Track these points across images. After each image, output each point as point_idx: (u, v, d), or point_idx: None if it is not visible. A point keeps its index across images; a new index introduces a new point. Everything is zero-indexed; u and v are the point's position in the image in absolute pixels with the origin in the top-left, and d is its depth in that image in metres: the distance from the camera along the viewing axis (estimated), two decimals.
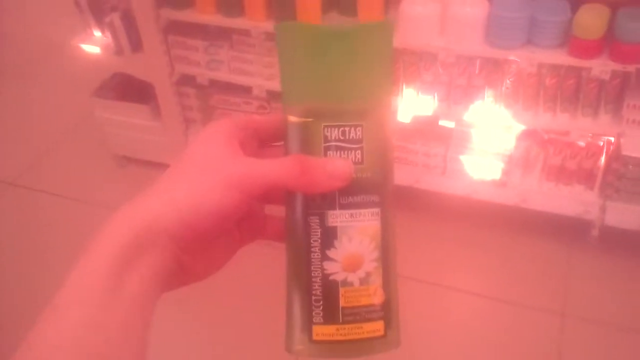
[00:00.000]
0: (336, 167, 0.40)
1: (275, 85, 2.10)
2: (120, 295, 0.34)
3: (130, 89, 2.37)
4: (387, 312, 0.41)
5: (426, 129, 2.08)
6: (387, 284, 0.41)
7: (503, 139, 2.01)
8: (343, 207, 0.41)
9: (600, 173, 1.92)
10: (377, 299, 0.41)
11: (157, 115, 2.34)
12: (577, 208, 2.00)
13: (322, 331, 0.40)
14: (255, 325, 1.90)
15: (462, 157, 2.06)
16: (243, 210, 0.39)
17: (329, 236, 0.40)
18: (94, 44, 2.30)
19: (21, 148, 2.71)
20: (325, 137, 0.41)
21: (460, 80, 1.91)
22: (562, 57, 1.75)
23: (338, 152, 0.41)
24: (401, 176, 2.09)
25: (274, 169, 0.39)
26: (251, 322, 1.93)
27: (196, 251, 0.39)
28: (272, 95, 2.15)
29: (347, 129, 0.41)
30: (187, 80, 2.24)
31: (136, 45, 2.18)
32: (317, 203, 0.41)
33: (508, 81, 1.87)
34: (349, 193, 0.41)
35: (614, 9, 1.68)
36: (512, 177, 2.03)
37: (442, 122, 2.07)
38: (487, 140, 2.03)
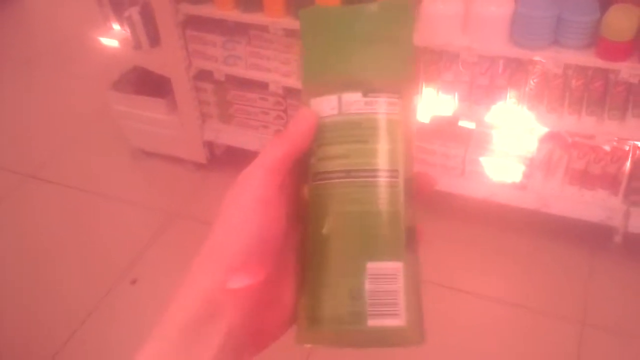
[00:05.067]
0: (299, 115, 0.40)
1: (292, 82, 2.07)
2: None
3: (148, 83, 2.36)
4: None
5: (445, 130, 2.04)
6: None
7: (525, 141, 1.96)
8: None
9: (625, 178, 1.86)
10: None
11: (174, 109, 2.33)
12: (600, 214, 1.94)
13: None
14: None
15: (482, 159, 2.01)
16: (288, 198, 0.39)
17: None
18: (113, 38, 2.29)
19: (40, 141, 2.72)
20: None
21: (482, 80, 1.86)
22: (589, 59, 1.69)
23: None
24: None
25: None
26: None
27: (267, 291, 0.37)
28: (289, 92, 2.12)
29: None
30: (204, 75, 2.22)
31: (154, 39, 2.17)
32: None
33: (532, 82, 1.81)
34: None
35: None
36: (534, 180, 1.98)
37: (462, 123, 2.03)
38: (509, 142, 1.98)
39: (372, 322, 0.36)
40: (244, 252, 0.35)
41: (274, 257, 0.36)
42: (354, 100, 0.39)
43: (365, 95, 0.39)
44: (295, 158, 0.40)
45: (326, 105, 0.39)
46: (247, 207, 0.36)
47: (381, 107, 0.39)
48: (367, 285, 0.37)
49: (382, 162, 0.38)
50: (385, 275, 0.37)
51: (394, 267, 0.37)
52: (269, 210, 0.36)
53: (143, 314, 2.01)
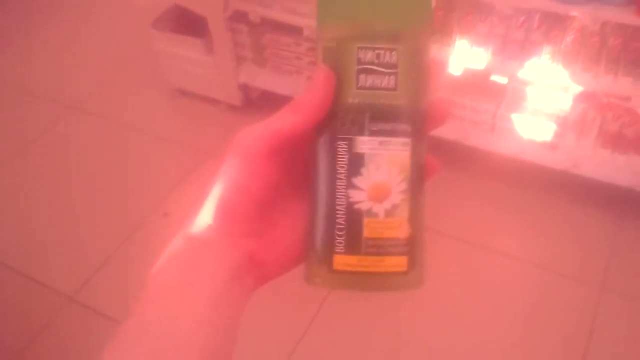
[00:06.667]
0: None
1: None
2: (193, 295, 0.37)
3: (188, 22, 2.39)
4: (411, 248, 0.40)
5: (477, 84, 1.99)
6: (414, 219, 0.40)
7: (558, 100, 1.90)
8: (373, 133, 0.39)
9: None
10: (402, 233, 0.40)
11: (210, 50, 2.35)
12: (632, 179, 1.88)
13: (343, 261, 0.39)
14: None
15: (513, 115, 1.96)
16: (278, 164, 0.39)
17: (356, 163, 0.39)
18: None
19: (83, 74, 2.80)
20: (359, 59, 0.39)
21: (517, 34, 1.80)
22: (629, 17, 1.60)
23: (370, 76, 0.39)
24: (447, 130, 2.02)
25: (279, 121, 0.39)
26: None
27: (261, 229, 0.40)
28: None
29: (382, 52, 0.39)
30: (240, 16, 2.22)
31: None
32: (346, 128, 0.39)
33: (568, 39, 1.74)
34: (379, 119, 0.39)
35: None
36: (565, 140, 1.93)
37: (494, 77, 1.98)
38: (541, 100, 1.92)
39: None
40: (225, 198, 0.38)
41: (257, 206, 0.39)
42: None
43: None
44: (305, 132, 0.40)
45: None
46: (234, 163, 0.39)
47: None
48: None
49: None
50: None
51: None
52: (253, 166, 0.38)
53: None
